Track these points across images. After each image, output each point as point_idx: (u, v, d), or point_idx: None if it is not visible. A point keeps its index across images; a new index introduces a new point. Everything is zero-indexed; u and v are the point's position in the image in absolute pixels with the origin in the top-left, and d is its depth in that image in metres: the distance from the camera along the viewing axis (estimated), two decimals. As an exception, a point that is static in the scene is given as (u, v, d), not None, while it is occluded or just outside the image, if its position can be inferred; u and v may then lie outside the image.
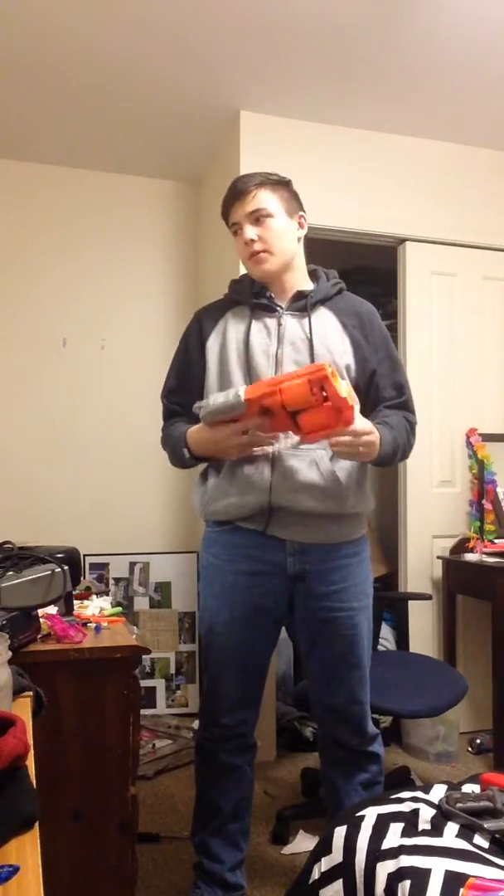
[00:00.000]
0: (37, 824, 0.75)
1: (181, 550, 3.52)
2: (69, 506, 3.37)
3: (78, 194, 3.48)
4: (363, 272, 3.71)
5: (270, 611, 1.75)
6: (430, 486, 3.14)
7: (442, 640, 3.11)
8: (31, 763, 0.84)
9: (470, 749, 2.97)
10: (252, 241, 1.71)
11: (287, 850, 2.19)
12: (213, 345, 1.79)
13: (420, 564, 3.14)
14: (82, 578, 1.96)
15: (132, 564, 3.42)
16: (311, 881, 1.35)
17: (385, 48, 2.52)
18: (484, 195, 3.25)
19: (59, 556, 1.57)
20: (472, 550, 3.01)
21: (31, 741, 0.86)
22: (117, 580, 3.39)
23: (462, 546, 3.07)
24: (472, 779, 1.49)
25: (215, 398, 1.59)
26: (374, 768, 1.83)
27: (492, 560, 2.90)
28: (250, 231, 1.71)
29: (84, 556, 3.10)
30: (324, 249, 2.63)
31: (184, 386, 1.85)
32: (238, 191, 1.72)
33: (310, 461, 1.67)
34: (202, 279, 3.58)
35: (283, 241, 1.73)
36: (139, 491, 3.51)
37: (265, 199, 1.72)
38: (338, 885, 1.29)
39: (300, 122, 3.01)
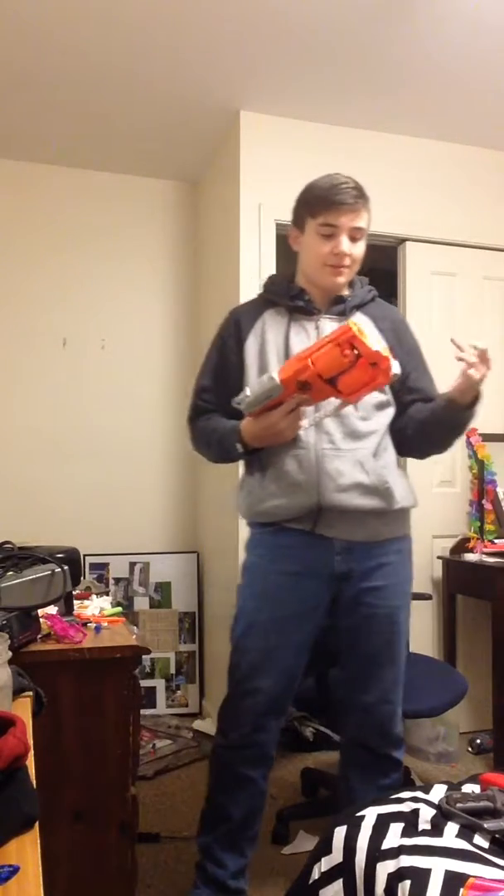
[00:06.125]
0: (37, 824, 0.75)
1: (181, 550, 3.52)
2: (69, 506, 3.37)
3: (78, 194, 3.48)
4: (363, 272, 3.70)
5: (311, 613, 1.74)
6: (430, 486, 3.13)
7: (442, 640, 3.11)
8: (31, 763, 0.84)
9: (470, 749, 2.97)
10: (346, 254, 1.71)
11: (287, 850, 2.19)
12: (251, 346, 1.79)
13: (420, 564, 3.10)
14: (82, 578, 1.96)
15: (132, 564, 3.42)
16: (311, 881, 1.35)
17: (385, 48, 2.52)
18: (484, 195, 3.25)
19: (59, 556, 1.57)
20: (472, 550, 3.01)
21: (31, 741, 0.86)
22: (117, 580, 3.39)
23: (462, 546, 3.07)
24: (472, 779, 1.49)
25: (252, 388, 1.60)
26: (394, 775, 1.82)
27: (492, 560, 2.90)
28: (347, 244, 1.71)
29: (84, 556, 3.11)
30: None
31: (219, 385, 1.84)
32: (352, 202, 1.69)
33: (354, 461, 1.68)
34: (202, 279, 3.58)
35: (360, 263, 1.78)
36: (139, 491, 3.51)
37: (366, 219, 1.73)
38: (338, 885, 1.29)
39: (300, 122, 3.01)
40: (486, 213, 3.25)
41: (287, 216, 2.97)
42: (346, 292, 1.80)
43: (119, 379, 3.50)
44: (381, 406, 1.75)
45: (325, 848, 1.35)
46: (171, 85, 2.77)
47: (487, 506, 3.05)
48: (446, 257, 3.18)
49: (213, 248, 3.37)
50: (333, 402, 1.59)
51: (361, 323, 1.65)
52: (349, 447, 1.68)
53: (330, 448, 1.68)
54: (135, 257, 3.57)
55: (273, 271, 2.98)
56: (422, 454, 1.91)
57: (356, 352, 1.45)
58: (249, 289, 2.93)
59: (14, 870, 0.66)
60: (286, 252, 3.16)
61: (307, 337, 1.74)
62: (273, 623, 1.73)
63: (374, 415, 1.73)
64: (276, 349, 1.75)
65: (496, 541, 3.01)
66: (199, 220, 3.63)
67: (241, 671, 1.76)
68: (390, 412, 1.79)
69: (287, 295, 1.78)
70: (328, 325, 1.74)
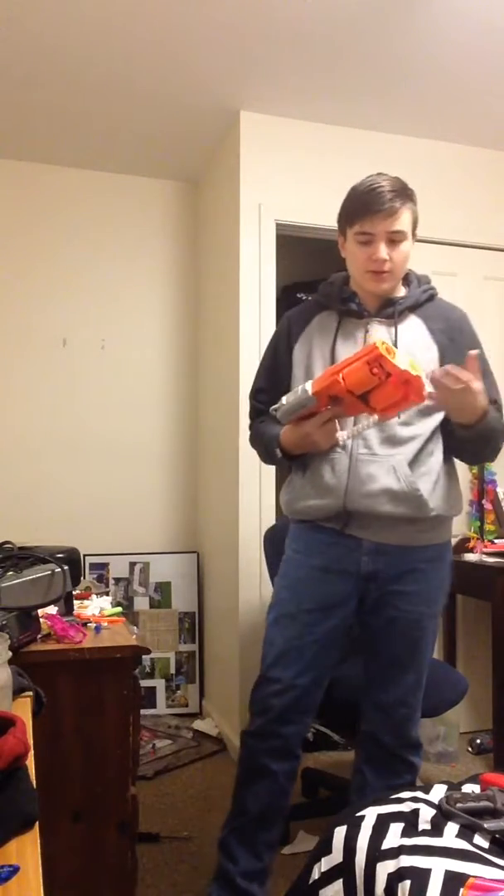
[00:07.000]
0: (37, 824, 0.75)
1: (181, 550, 3.52)
2: (69, 506, 3.37)
3: (78, 194, 3.48)
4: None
5: (335, 609, 1.75)
6: (430, 486, 3.13)
7: (442, 640, 3.11)
8: (31, 763, 0.84)
9: (470, 749, 2.97)
10: (385, 260, 1.68)
11: (287, 850, 2.19)
12: (299, 351, 1.81)
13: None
14: (82, 578, 1.96)
15: (132, 564, 3.42)
16: (311, 881, 1.35)
17: (385, 48, 2.52)
18: (484, 195, 3.25)
19: (59, 556, 1.57)
20: (472, 550, 3.01)
21: (31, 741, 0.86)
22: (117, 580, 3.39)
23: (462, 546, 3.07)
24: (472, 779, 1.49)
25: (287, 398, 1.63)
26: (407, 777, 1.82)
27: (492, 560, 2.90)
28: (384, 250, 1.67)
29: (84, 556, 3.10)
30: (325, 249, 2.63)
31: (272, 387, 1.86)
32: (385, 207, 1.64)
33: (388, 467, 1.68)
34: (202, 279, 3.58)
35: (405, 263, 1.74)
36: (139, 491, 3.51)
37: (406, 220, 1.69)
38: (338, 885, 1.29)
39: (300, 122, 3.01)
40: (486, 213, 3.25)
41: (287, 216, 3.01)
42: (400, 292, 1.79)
43: (119, 379, 3.50)
44: (426, 411, 1.72)
45: (325, 848, 1.35)
46: (172, 85, 2.77)
47: (487, 506, 3.05)
48: (446, 257, 3.18)
49: (213, 247, 3.37)
50: (372, 416, 1.59)
51: (391, 340, 1.66)
52: (385, 452, 1.68)
53: (365, 453, 1.69)
54: (135, 257, 3.57)
55: (273, 271, 2.98)
56: (466, 461, 1.90)
57: (385, 370, 1.45)
58: (250, 289, 2.93)
59: (14, 870, 0.66)
60: (286, 252, 3.17)
61: (354, 343, 1.73)
62: (299, 615, 1.76)
63: (417, 420, 1.71)
64: (321, 355, 1.76)
65: (496, 541, 3.01)
66: (199, 220, 3.63)
67: (268, 659, 1.79)
68: (438, 417, 1.75)
69: (339, 298, 1.78)
70: (377, 330, 1.74)
